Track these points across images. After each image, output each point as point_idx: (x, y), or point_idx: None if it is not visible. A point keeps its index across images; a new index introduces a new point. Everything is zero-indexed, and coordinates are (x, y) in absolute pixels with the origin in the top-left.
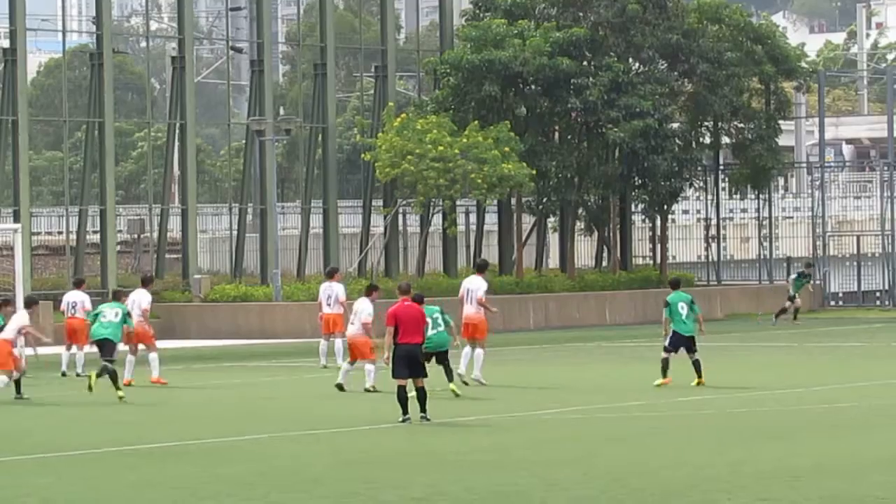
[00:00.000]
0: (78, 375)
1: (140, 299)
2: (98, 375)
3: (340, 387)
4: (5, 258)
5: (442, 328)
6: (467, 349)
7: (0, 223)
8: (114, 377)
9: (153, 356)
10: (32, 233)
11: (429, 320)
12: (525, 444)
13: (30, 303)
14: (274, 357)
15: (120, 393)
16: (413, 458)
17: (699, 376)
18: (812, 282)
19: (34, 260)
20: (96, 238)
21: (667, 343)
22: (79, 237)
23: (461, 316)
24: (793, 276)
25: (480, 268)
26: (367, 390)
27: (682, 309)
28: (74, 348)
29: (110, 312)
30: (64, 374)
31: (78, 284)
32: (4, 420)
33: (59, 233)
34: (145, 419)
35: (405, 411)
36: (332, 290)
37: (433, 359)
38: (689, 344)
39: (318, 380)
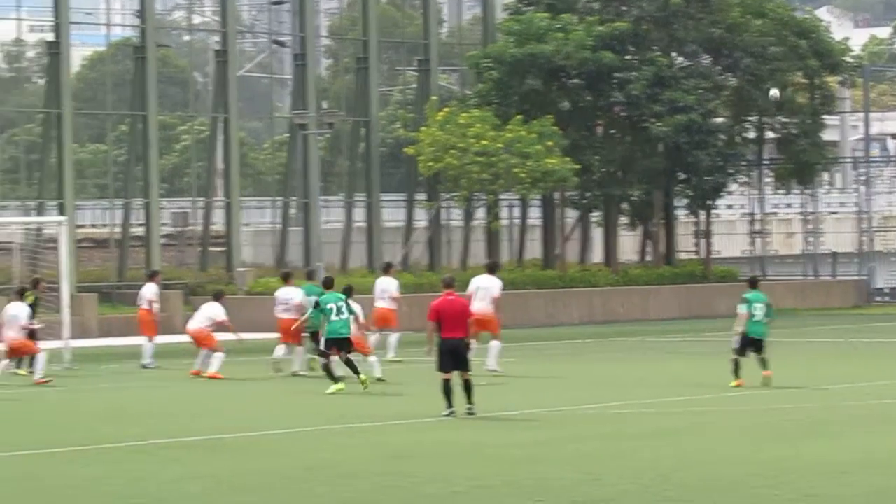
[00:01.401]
0: (143, 367)
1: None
2: None
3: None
4: (50, 251)
5: (346, 316)
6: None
7: (45, 216)
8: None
9: (218, 355)
10: (77, 226)
11: (333, 307)
12: (568, 438)
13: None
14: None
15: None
16: (455, 452)
17: (765, 369)
18: None
19: (79, 253)
20: (141, 231)
21: (736, 345)
22: (123, 230)
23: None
24: None
25: (492, 268)
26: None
27: (759, 310)
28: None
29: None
30: (144, 367)
31: (151, 276)
32: (54, 411)
33: (104, 226)
34: (189, 412)
35: (450, 404)
36: (386, 285)
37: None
38: (758, 346)
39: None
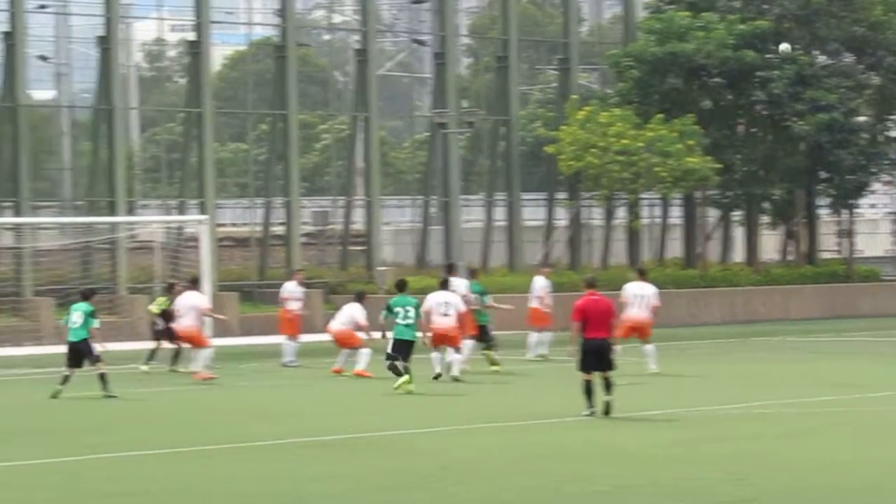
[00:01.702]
0: (284, 366)
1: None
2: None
3: (438, 376)
4: (191, 250)
5: (412, 320)
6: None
7: (186, 215)
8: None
9: (364, 351)
10: (218, 225)
11: (401, 310)
12: (710, 438)
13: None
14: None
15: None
16: (597, 452)
17: None
18: None
19: (219, 251)
20: (281, 230)
21: None
22: (264, 229)
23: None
24: None
25: (643, 273)
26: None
27: None
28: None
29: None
30: (286, 365)
31: (292, 275)
32: (194, 410)
33: (245, 225)
34: (328, 410)
35: (590, 404)
36: (540, 284)
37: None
38: None
39: (507, 372)
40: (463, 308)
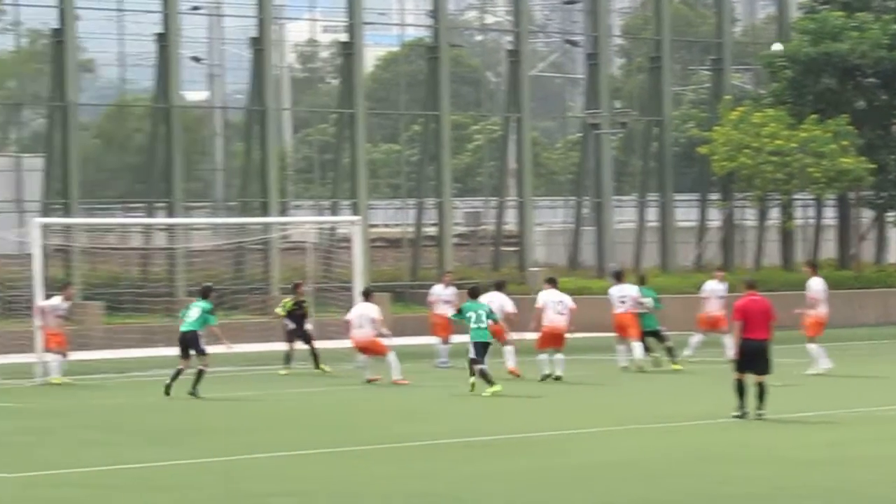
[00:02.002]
0: (437, 367)
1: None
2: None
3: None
4: (344, 250)
5: (485, 325)
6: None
7: (339, 215)
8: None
9: (509, 348)
10: (370, 225)
11: (473, 314)
12: (866, 440)
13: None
14: (610, 350)
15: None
16: (750, 454)
17: None
18: None
19: (372, 252)
20: (433, 230)
21: None
22: (416, 230)
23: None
24: None
25: (815, 267)
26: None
27: None
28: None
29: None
30: (438, 367)
31: (441, 278)
32: (346, 410)
33: (397, 225)
34: (482, 411)
35: (742, 405)
36: (711, 287)
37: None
38: None
39: (660, 373)
40: (574, 307)
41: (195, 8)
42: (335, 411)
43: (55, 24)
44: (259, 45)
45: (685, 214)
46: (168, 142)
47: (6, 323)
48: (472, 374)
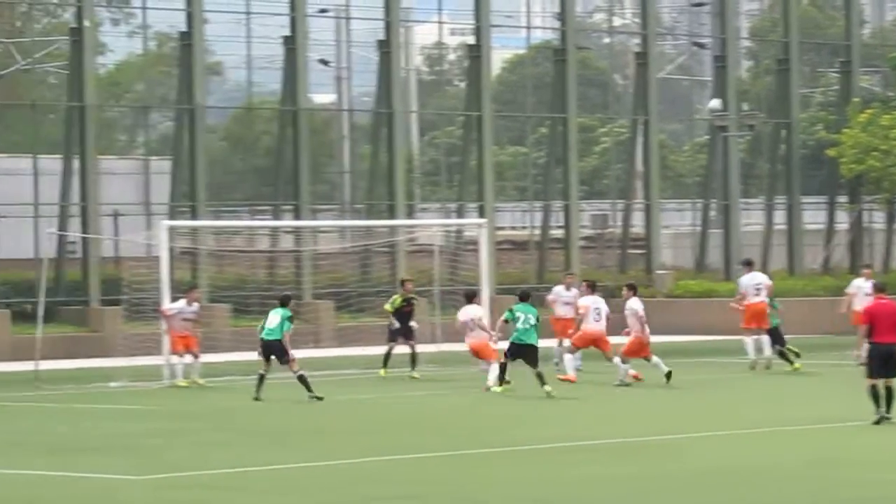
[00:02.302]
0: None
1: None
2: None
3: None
4: (470, 253)
5: (531, 325)
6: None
7: (465, 218)
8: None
9: (617, 359)
10: (497, 228)
11: (522, 315)
12: None
13: (471, 295)
14: (738, 353)
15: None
16: (883, 458)
17: None
18: None
19: (498, 255)
20: (560, 233)
21: None
22: (543, 232)
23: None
24: None
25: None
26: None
27: None
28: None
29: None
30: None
31: (563, 279)
32: (468, 412)
33: (523, 228)
34: (594, 415)
35: (878, 409)
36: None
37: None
38: None
39: (781, 377)
40: (610, 316)
41: (322, 10)
42: (452, 415)
43: (183, 28)
44: (386, 48)
45: (813, 217)
46: (295, 144)
47: (133, 326)
48: (503, 376)
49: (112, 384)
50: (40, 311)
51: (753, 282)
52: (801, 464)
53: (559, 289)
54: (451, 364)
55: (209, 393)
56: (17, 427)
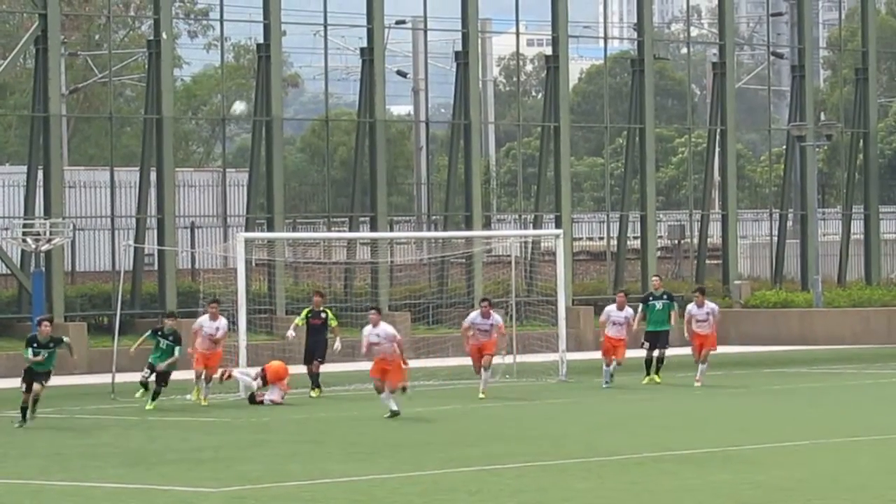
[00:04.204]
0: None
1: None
2: None
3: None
4: (547, 263)
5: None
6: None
7: (542, 229)
8: None
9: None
10: (574, 238)
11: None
12: None
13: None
14: (815, 363)
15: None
16: None
17: None
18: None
19: (575, 265)
20: (636, 244)
21: None
22: (619, 243)
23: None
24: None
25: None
26: None
27: None
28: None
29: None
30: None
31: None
32: (547, 423)
33: (600, 238)
34: (682, 425)
35: None
36: None
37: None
38: None
39: (860, 386)
40: (633, 326)
41: (400, 22)
42: (539, 425)
43: (260, 40)
44: (463, 59)
45: (890, 227)
46: (372, 156)
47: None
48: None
49: (188, 397)
50: (116, 324)
51: None
52: (876, 471)
53: (611, 308)
54: (524, 375)
55: (284, 405)
56: (94, 440)
